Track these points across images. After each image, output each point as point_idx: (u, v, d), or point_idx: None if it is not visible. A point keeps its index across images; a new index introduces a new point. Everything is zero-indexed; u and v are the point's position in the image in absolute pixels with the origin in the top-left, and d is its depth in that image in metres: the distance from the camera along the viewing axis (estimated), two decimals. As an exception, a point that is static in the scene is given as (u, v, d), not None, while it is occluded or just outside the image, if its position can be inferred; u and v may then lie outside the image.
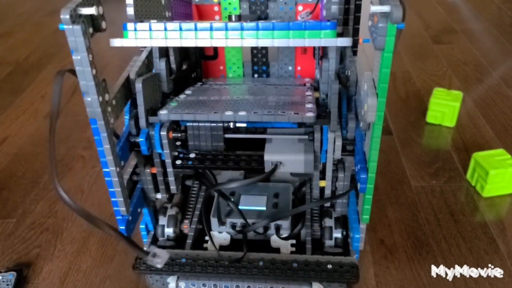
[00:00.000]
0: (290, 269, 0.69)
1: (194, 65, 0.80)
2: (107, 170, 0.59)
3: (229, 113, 0.61)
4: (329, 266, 0.69)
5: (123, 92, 0.61)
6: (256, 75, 0.84)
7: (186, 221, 0.79)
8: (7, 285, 0.76)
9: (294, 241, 0.75)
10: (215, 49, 0.83)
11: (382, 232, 0.86)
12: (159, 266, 0.66)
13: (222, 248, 0.76)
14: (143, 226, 0.78)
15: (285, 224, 0.74)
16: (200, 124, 0.66)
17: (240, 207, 0.76)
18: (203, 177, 0.77)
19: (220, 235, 0.77)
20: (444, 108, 1.14)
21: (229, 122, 0.66)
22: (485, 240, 0.83)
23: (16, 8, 2.14)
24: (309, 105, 0.64)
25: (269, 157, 0.66)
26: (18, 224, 0.92)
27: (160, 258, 0.64)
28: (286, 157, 0.66)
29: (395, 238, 0.84)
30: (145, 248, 0.74)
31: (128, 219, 0.66)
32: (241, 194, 0.79)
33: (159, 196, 0.72)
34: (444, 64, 1.48)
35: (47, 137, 0.51)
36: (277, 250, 0.74)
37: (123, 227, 0.66)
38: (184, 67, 0.75)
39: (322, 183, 0.66)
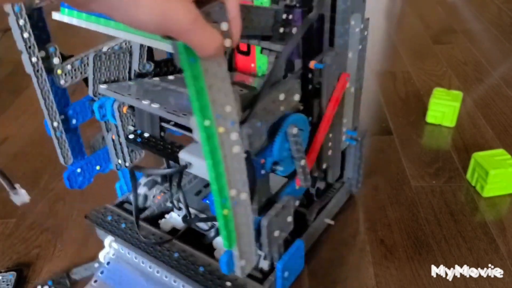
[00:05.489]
0: (194, 271, 0.68)
1: None
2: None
3: (155, 105, 0.60)
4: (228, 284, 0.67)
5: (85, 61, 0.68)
6: None
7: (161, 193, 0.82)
8: (7, 285, 0.76)
9: None
10: (249, 44, 0.77)
11: (382, 232, 0.86)
12: (17, 203, 0.75)
13: (176, 231, 0.77)
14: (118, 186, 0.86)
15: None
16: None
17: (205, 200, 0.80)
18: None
19: (178, 218, 0.79)
20: (444, 108, 1.14)
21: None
22: (485, 240, 0.83)
23: (16, 8, 2.14)
24: None
25: (183, 155, 0.64)
26: (18, 224, 0.92)
27: (19, 197, 0.75)
28: (196, 160, 0.63)
29: (395, 238, 0.84)
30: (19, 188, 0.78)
31: (74, 171, 0.74)
32: None
33: (120, 161, 0.76)
34: (444, 64, 1.48)
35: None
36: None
37: (66, 177, 0.74)
38: None
39: None
